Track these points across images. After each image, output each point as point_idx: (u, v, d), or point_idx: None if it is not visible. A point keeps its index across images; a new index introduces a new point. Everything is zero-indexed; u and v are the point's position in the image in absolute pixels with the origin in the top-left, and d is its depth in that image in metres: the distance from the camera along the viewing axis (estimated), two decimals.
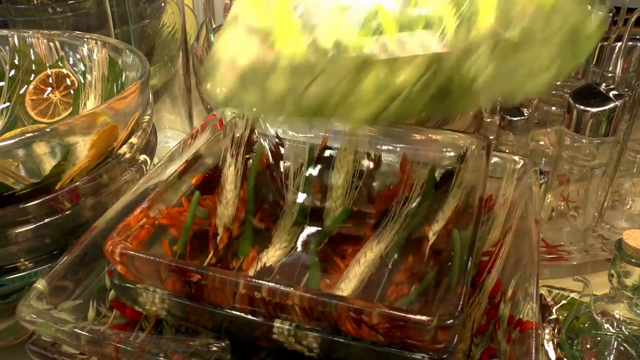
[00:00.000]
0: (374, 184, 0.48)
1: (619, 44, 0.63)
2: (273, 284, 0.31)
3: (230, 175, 0.46)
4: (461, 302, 0.30)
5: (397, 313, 0.29)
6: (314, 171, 0.49)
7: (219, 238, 0.44)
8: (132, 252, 0.33)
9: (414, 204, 0.46)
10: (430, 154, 0.46)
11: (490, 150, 0.44)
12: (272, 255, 0.45)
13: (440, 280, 0.38)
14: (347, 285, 0.42)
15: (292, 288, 0.30)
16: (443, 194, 0.44)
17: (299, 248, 0.46)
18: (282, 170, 0.49)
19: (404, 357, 0.31)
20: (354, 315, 0.30)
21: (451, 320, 0.29)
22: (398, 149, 0.48)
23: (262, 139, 0.49)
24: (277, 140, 0.49)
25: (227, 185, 0.46)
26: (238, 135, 0.48)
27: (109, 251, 0.34)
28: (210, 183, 0.45)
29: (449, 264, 0.38)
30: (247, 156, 0.48)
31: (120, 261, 0.34)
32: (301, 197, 0.48)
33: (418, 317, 0.29)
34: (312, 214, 0.48)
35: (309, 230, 0.47)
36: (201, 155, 0.45)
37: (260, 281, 0.31)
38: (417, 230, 0.44)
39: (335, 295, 0.31)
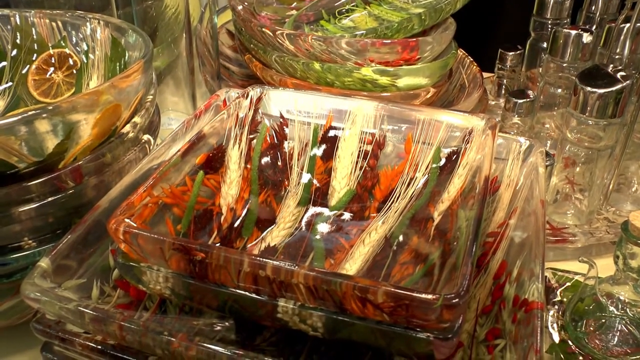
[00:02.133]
0: (379, 164, 0.48)
1: (627, 25, 0.62)
2: (277, 262, 0.31)
3: (234, 155, 0.46)
4: (466, 281, 0.30)
5: (402, 292, 0.29)
6: (318, 151, 0.48)
7: (222, 218, 0.43)
8: (136, 231, 0.33)
9: (418, 185, 0.46)
10: (435, 134, 0.46)
11: (495, 130, 0.44)
12: (276, 236, 0.44)
13: (445, 261, 0.37)
14: (352, 266, 0.42)
15: (296, 266, 0.30)
16: (448, 174, 0.44)
17: (303, 228, 0.46)
18: (286, 150, 0.49)
19: (409, 337, 0.31)
20: (359, 294, 0.30)
21: (456, 300, 0.29)
22: (403, 129, 0.47)
23: (266, 119, 0.49)
24: (281, 120, 0.49)
25: (231, 165, 0.45)
26: (242, 115, 0.48)
27: (112, 229, 0.34)
28: (214, 163, 0.45)
29: (455, 244, 0.37)
30: (251, 136, 0.48)
31: (124, 239, 0.34)
32: (305, 178, 0.48)
33: (423, 295, 0.29)
34: (316, 195, 0.47)
35: (313, 210, 0.47)
36: (205, 135, 0.44)
37: (264, 259, 0.31)
38: (422, 210, 0.44)
39: (340, 274, 0.31)
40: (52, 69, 0.61)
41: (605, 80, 0.54)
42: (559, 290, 0.52)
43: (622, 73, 0.54)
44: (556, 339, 0.48)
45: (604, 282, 0.48)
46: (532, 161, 0.46)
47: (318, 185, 0.48)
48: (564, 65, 0.67)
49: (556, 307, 0.51)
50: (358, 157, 0.47)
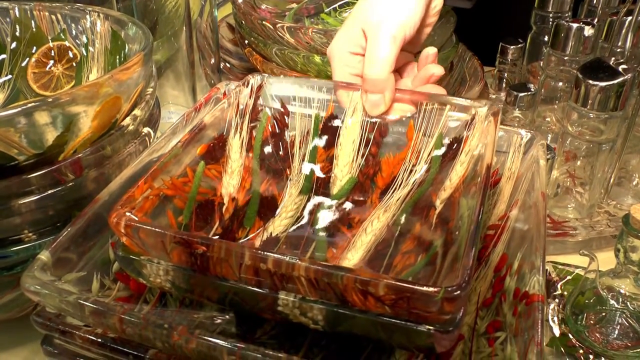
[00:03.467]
0: (381, 151, 0.47)
1: (629, 18, 0.62)
2: (278, 255, 0.30)
3: (235, 144, 0.45)
4: (468, 273, 0.30)
5: (403, 284, 0.29)
6: (320, 140, 0.48)
7: (224, 208, 0.43)
8: (137, 224, 0.33)
9: (421, 172, 0.45)
10: (437, 121, 0.45)
11: (498, 117, 0.43)
12: (278, 225, 0.44)
13: (447, 250, 0.37)
14: (354, 255, 0.41)
15: (298, 259, 0.30)
16: (450, 161, 0.44)
17: (306, 217, 0.45)
18: (287, 138, 0.48)
19: (410, 329, 0.31)
20: (360, 286, 0.30)
21: (458, 292, 0.28)
22: (406, 116, 0.47)
23: (267, 108, 0.49)
24: (282, 108, 0.49)
25: (232, 154, 0.45)
26: (243, 104, 0.47)
27: (113, 223, 0.33)
28: (215, 152, 0.44)
29: (456, 234, 0.37)
30: (252, 125, 0.47)
31: (125, 233, 0.33)
32: (307, 166, 0.47)
33: (425, 288, 0.28)
34: (318, 183, 0.47)
35: (316, 199, 0.47)
36: (205, 125, 0.44)
37: (266, 253, 0.31)
38: (424, 198, 0.43)
39: (341, 267, 0.31)
40: (51, 61, 0.61)
41: (606, 74, 0.54)
42: (560, 283, 0.52)
43: (624, 66, 0.54)
44: (557, 332, 0.48)
45: (604, 276, 0.48)
46: (533, 154, 0.45)
47: (320, 173, 0.47)
48: (565, 58, 0.67)
49: (557, 300, 0.51)
50: (360, 144, 0.47)
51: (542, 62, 0.74)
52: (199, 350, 0.31)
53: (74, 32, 0.61)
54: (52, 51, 0.61)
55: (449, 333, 0.30)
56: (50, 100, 0.40)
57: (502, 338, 0.36)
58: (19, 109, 0.38)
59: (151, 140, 0.51)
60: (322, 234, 0.44)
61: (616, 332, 0.47)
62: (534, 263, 0.36)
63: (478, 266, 0.41)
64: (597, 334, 0.47)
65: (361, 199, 0.46)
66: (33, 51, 0.61)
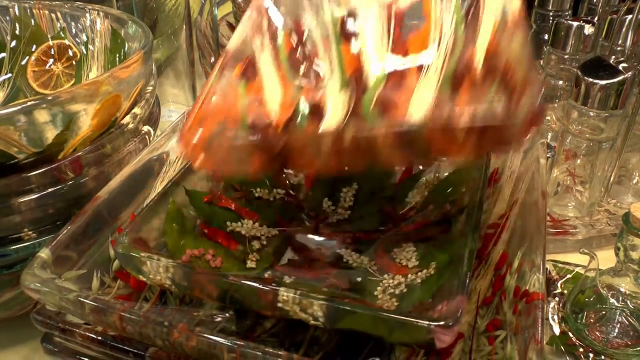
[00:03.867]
0: (403, 32, 0.44)
1: (629, 17, 0.62)
2: (359, 124, 0.32)
3: (265, 62, 0.43)
4: (537, 87, 0.31)
5: (485, 113, 0.31)
6: (342, 38, 0.45)
7: (275, 123, 0.41)
8: (211, 137, 0.33)
9: (449, 36, 0.41)
10: None
11: None
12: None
13: (507, 84, 0.35)
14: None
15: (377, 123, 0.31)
16: (474, 19, 0.41)
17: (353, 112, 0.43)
18: (309, 46, 0.46)
19: (410, 326, 0.31)
20: (444, 125, 0.31)
21: (539, 103, 0.30)
22: None
23: (279, 24, 0.45)
24: (295, 20, 0.46)
25: (265, 71, 0.42)
26: (257, 26, 0.45)
27: (187, 142, 0.33)
28: (249, 73, 0.42)
29: (510, 74, 0.35)
30: (273, 42, 0.44)
31: (202, 147, 0.33)
32: (338, 65, 0.43)
33: (507, 112, 0.30)
34: (354, 77, 0.42)
35: (357, 92, 0.43)
36: (230, 53, 0.42)
37: (347, 125, 0.32)
38: (461, 59, 0.40)
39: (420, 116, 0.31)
40: (51, 60, 0.61)
41: (607, 72, 0.54)
42: (560, 282, 0.52)
43: (624, 65, 0.54)
44: (556, 330, 0.48)
45: (604, 274, 0.48)
46: (534, 152, 0.45)
47: (352, 69, 0.45)
48: (566, 57, 0.67)
49: (557, 299, 0.51)
50: (382, 32, 0.45)
51: (542, 61, 0.74)
52: (199, 348, 0.31)
53: (73, 30, 0.61)
54: (52, 49, 0.61)
55: (448, 328, 0.30)
56: (50, 98, 0.40)
57: (502, 336, 0.36)
58: (19, 107, 0.38)
59: (151, 139, 0.51)
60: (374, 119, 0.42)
61: (616, 330, 0.47)
62: (534, 261, 0.36)
63: (478, 264, 0.41)
64: (597, 333, 0.47)
65: (398, 79, 0.42)
66: (33, 49, 0.61)
